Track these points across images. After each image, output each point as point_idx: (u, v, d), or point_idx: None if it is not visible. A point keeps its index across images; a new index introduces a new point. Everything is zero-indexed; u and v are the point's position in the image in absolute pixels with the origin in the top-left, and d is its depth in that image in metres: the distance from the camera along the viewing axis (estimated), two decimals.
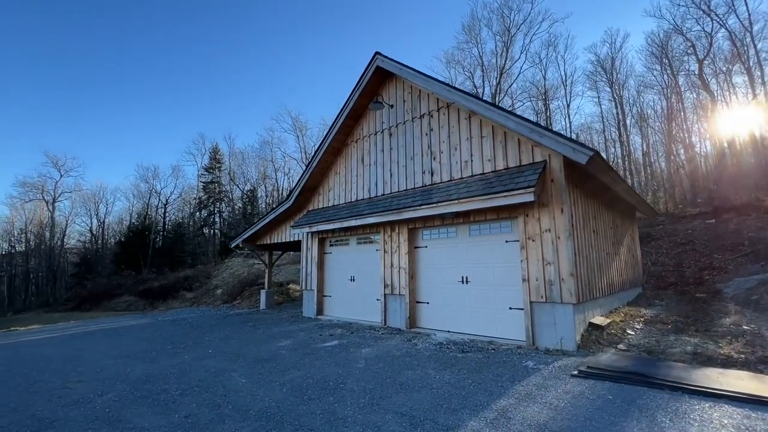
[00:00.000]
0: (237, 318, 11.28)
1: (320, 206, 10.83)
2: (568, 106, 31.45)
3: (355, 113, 9.70)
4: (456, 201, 6.73)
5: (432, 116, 8.14)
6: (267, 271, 14.06)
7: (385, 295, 8.49)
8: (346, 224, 9.06)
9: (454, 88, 7.69)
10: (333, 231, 10.03)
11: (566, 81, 31.60)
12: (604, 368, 4.59)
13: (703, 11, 24.16)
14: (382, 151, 9.15)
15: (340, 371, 5.16)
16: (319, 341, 7.18)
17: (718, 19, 23.58)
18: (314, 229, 10.03)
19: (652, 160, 28.90)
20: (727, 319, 6.58)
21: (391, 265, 8.43)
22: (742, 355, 4.79)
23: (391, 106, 9.02)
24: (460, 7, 58.09)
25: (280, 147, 54.23)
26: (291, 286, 16.56)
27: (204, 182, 41.66)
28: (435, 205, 7.09)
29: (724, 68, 24.70)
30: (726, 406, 3.46)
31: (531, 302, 6.08)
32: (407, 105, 8.72)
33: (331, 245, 10.57)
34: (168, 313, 14.65)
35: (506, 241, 6.71)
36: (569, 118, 31.38)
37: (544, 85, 31.43)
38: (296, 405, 3.99)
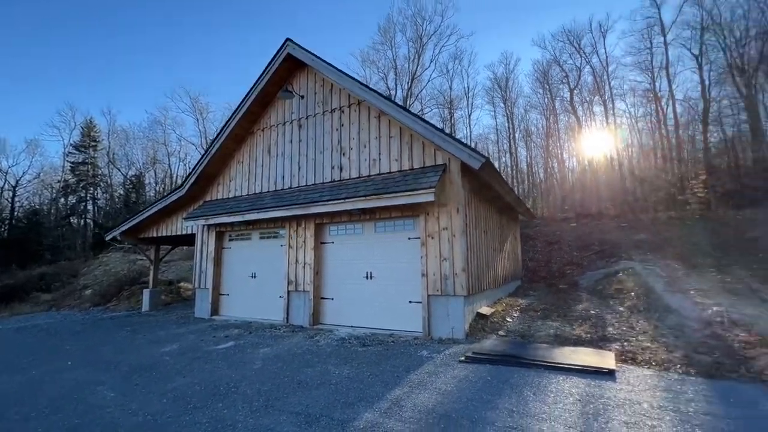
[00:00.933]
0: (111, 322, 9.72)
1: (220, 197, 9.95)
2: (470, 116, 34.55)
3: (263, 100, 9.14)
4: (363, 198, 6.83)
5: (343, 112, 8.11)
6: (152, 267, 12.42)
7: (288, 292, 8.20)
8: (249, 217, 8.50)
9: (366, 86, 7.77)
10: (234, 224, 9.31)
11: (468, 93, 34.56)
12: (486, 353, 5.14)
13: (575, 48, 28.81)
14: (291, 142, 8.81)
15: (234, 374, 4.82)
16: (212, 343, 6.60)
17: (585, 57, 28.35)
18: (212, 221, 9.18)
19: (534, 171, 33.37)
20: (580, 305, 7.96)
21: (296, 260, 8.18)
22: (589, 335, 5.83)
23: (302, 97, 8.73)
24: (379, 8, 59.18)
25: (176, 129, 48.52)
26: (183, 284, 14.92)
27: (73, 163, 35.00)
28: (343, 201, 7.08)
29: (588, 98, 29.75)
30: (575, 377, 4.17)
31: (428, 296, 6.49)
32: (318, 97, 8.54)
33: (230, 240, 9.80)
34: (13, 320, 11.93)
35: (409, 238, 7.05)
36: (470, 127, 34.48)
37: (450, 94, 33.91)
38: (178, 416, 3.59)
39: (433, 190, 6.08)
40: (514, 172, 32.25)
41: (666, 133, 25.66)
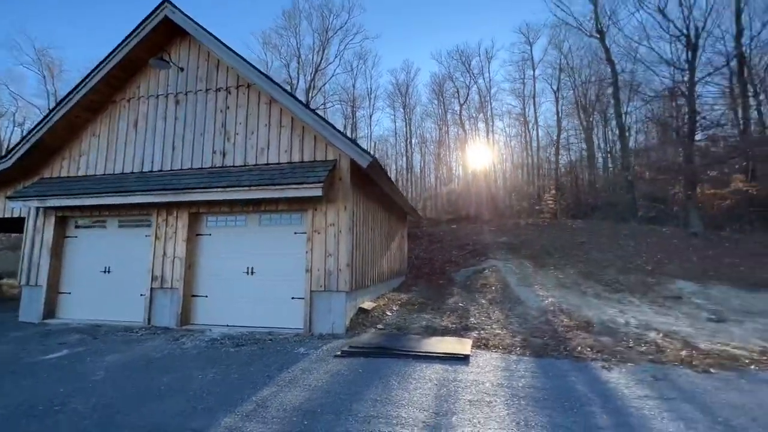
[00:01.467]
0: None
1: (65, 174, 8.18)
2: (371, 116, 35.42)
3: (130, 64, 7.81)
4: (248, 188, 6.39)
5: (230, 93, 7.45)
6: None
7: (152, 289, 7.19)
8: (107, 201, 7.20)
9: (257, 69, 7.26)
10: (83, 209, 7.76)
11: (371, 94, 35.46)
12: (362, 346, 5.30)
13: (466, 68, 31.94)
14: (165, 119, 7.73)
15: (64, 389, 3.99)
16: (39, 353, 5.38)
17: (473, 77, 31.65)
18: (50, 203, 7.50)
19: (426, 175, 35.97)
20: (452, 299, 8.84)
21: (164, 254, 7.23)
22: (454, 325, 6.50)
23: (181, 69, 7.74)
24: None
25: (11, 84, 38.41)
26: (6, 281, 11.88)
27: None
28: (225, 189, 6.51)
29: (474, 114, 33.30)
30: (437, 365, 4.59)
31: (311, 291, 6.41)
32: (201, 73, 7.68)
33: (77, 227, 8.15)
34: None
35: (295, 233, 6.85)
36: (371, 127, 35.39)
37: (353, 93, 34.28)
38: None
39: (321, 185, 6.01)
40: (409, 174, 34.25)
41: (530, 152, 30.36)
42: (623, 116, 21.62)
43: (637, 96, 19.16)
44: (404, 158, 35.08)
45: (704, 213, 14.53)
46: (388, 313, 7.40)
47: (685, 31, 14.11)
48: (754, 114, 20.17)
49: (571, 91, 27.92)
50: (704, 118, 14.18)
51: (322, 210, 6.57)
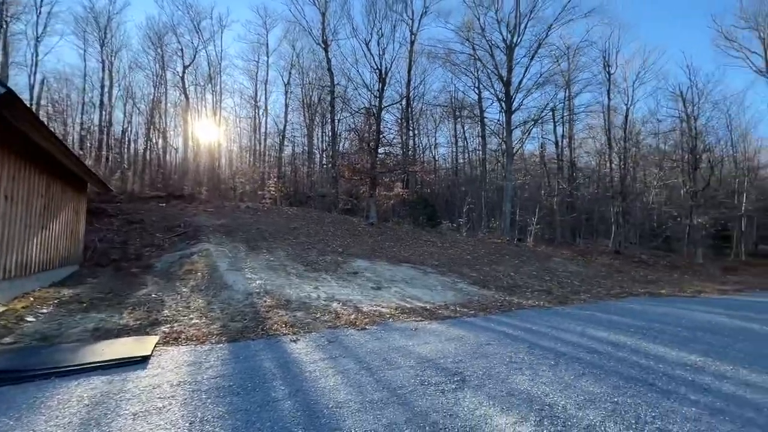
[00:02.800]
0: None
1: None
2: (38, 38, 24.78)
3: None
4: None
5: None
6: None
7: None
8: None
9: None
10: None
11: (39, 5, 24.80)
12: None
13: (194, 26, 28.01)
14: None
15: None
16: None
17: (203, 41, 28.19)
18: None
19: (132, 140, 29.07)
20: (144, 290, 7.39)
21: None
22: (139, 322, 5.38)
23: None
24: None
25: None
26: None
27: None
28: None
29: (201, 83, 29.86)
30: (95, 378, 3.56)
31: None
32: None
33: None
34: None
35: None
36: (37, 53, 24.76)
37: None
38: None
39: None
40: (105, 134, 26.57)
41: (259, 138, 30.56)
42: (336, 122, 25.56)
43: (346, 108, 23.19)
44: (99, 112, 26.87)
45: (379, 208, 19.45)
46: (31, 319, 5.22)
47: (378, 66, 18.40)
48: (411, 142, 28.85)
49: (300, 89, 30.26)
50: (385, 137, 18.94)
51: None
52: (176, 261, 10.26)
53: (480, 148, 30.30)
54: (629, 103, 27.84)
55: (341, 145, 26.81)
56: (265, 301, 7.00)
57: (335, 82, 23.37)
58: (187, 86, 27.61)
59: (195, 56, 27.94)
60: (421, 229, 18.97)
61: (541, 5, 21.68)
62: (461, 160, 35.86)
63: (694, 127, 25.83)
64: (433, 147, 38.07)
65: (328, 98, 25.14)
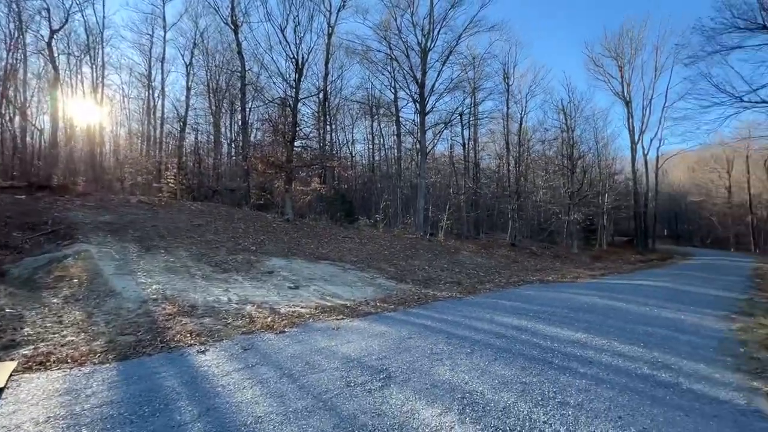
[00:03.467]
0: None
1: None
2: None
3: None
4: None
5: None
6: None
7: None
8: None
9: None
10: None
11: None
12: None
13: None
14: None
15: None
16: None
17: (80, 2, 23.69)
18: None
19: None
20: None
21: None
22: None
23: None
24: None
25: None
26: None
27: None
28: None
29: (77, 53, 25.11)
30: None
31: None
32: None
33: None
34: None
35: None
36: None
37: None
38: None
39: None
40: None
41: (153, 122, 26.94)
42: (247, 111, 23.80)
43: (259, 96, 21.73)
44: None
45: (296, 204, 18.70)
46: None
47: (295, 56, 17.58)
48: (328, 137, 28.40)
49: (204, 71, 27.43)
50: (301, 129, 18.25)
51: None
52: (43, 266, 8.43)
53: (395, 146, 31.23)
54: (523, 112, 31.49)
55: (253, 135, 25.10)
56: (165, 309, 6.15)
57: (247, 68, 21.70)
58: (56, 55, 22.87)
59: (67, 19, 23.25)
60: (339, 226, 18.81)
61: (452, 14, 23.06)
62: (377, 157, 36.59)
63: (572, 137, 30.37)
64: (350, 143, 38.11)
65: (239, 84, 23.25)
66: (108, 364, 3.97)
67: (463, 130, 32.34)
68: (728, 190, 43.44)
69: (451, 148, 35.06)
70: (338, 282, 9.72)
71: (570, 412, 3.13)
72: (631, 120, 33.14)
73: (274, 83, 21.41)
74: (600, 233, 34.82)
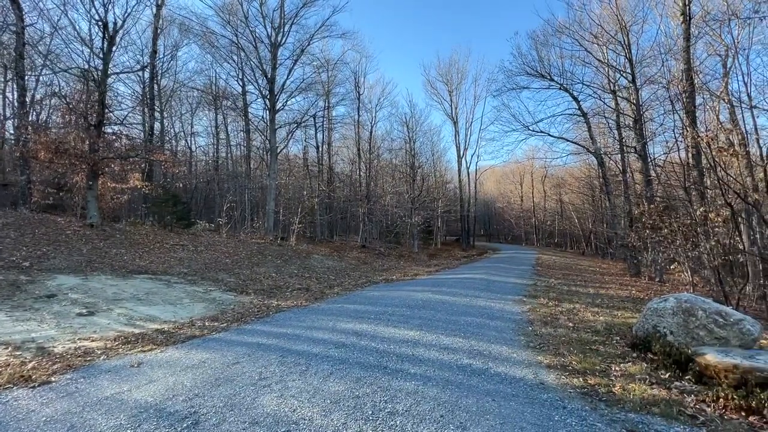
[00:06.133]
0: None
1: None
2: None
3: None
4: None
5: None
6: None
7: None
8: None
9: None
10: None
11: None
12: None
13: None
14: None
15: None
16: None
17: None
18: None
19: None
20: None
21: None
22: None
23: None
24: None
25: None
26: None
27: None
28: None
29: None
30: None
31: None
32: None
33: None
34: None
35: None
36: None
37: None
38: None
39: None
40: None
41: None
42: (27, 80, 17.79)
43: (49, 64, 16.45)
44: None
45: (105, 204, 14.84)
46: None
47: (103, 19, 13.86)
48: (157, 125, 23.96)
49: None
50: (113, 112, 14.62)
51: None
52: None
53: (244, 143, 28.70)
54: (373, 122, 33.51)
55: (38, 114, 18.91)
56: None
57: (26, 23, 16.14)
58: None
59: None
60: (170, 231, 15.86)
61: (303, 13, 22.57)
62: (223, 154, 32.94)
63: (413, 148, 33.91)
64: (189, 136, 33.22)
65: (14, 44, 17.15)
66: None
67: (317, 133, 32.22)
68: (521, 198, 56.22)
69: (304, 150, 34.46)
70: (157, 301, 7.97)
71: (398, 422, 3.05)
72: (457, 137, 39.15)
73: (72, 51, 16.55)
74: (435, 234, 39.95)
